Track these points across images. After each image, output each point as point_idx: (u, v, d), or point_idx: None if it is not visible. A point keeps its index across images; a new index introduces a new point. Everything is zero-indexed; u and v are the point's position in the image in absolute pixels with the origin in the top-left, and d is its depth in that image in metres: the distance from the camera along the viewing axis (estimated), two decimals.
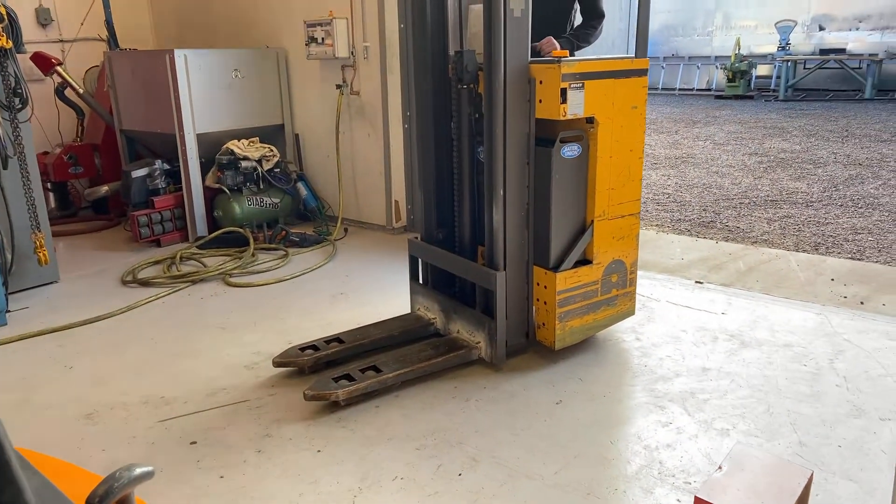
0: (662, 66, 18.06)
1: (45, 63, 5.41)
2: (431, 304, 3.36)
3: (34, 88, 5.68)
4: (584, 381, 2.94)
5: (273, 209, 5.35)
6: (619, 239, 3.08)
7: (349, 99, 5.24)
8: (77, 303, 4.01)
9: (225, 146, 5.18)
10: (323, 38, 5.04)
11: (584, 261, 3.03)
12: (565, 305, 2.97)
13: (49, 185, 5.82)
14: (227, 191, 5.14)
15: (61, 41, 6.08)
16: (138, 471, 0.89)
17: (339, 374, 2.78)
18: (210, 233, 5.14)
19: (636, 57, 2.93)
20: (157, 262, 4.71)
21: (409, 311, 3.51)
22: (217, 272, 4.46)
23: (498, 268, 2.91)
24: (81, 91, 5.65)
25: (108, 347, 3.41)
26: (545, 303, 3.00)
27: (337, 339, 3.16)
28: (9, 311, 3.80)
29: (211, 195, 5.26)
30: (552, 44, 3.32)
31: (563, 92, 2.70)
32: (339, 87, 5.18)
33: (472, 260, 3.15)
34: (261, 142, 5.36)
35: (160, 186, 5.27)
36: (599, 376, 2.99)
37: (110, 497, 0.85)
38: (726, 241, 5.16)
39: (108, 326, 3.69)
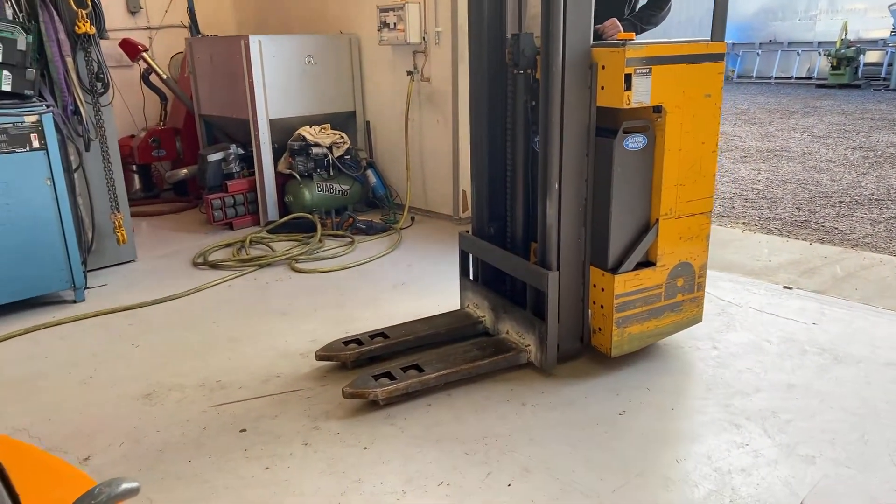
0: (758, 53, 16.97)
1: (132, 49, 5.61)
2: (481, 301, 3.21)
3: (122, 74, 5.95)
4: (652, 391, 2.73)
5: (342, 196, 5.34)
6: (686, 240, 2.83)
7: (419, 85, 5.14)
8: (150, 282, 4.14)
9: (297, 132, 5.21)
10: (395, 24, 4.96)
11: (647, 262, 2.80)
12: (624, 310, 2.76)
13: (134, 167, 6.07)
14: (298, 177, 5.18)
15: (149, 28, 6.30)
16: (121, 487, 0.81)
17: (379, 371, 2.70)
18: (280, 217, 5.19)
19: (712, 40, 2.69)
20: (227, 245, 4.80)
21: (459, 307, 3.40)
22: (284, 257, 4.49)
23: (550, 267, 2.73)
24: (165, 77, 5.83)
25: (173, 328, 3.48)
26: (602, 306, 2.79)
27: (382, 333, 3.07)
28: (87, 288, 3.96)
29: (283, 180, 5.31)
30: (616, 26, 3.05)
31: (628, 78, 2.47)
32: (409, 73, 5.09)
33: (524, 257, 2.98)
34: (332, 128, 5.36)
35: (234, 171, 5.37)
36: (669, 387, 2.76)
37: None
38: (821, 242, 4.72)
39: (176, 307, 3.77)
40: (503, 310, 3.05)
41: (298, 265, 4.38)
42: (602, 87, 2.58)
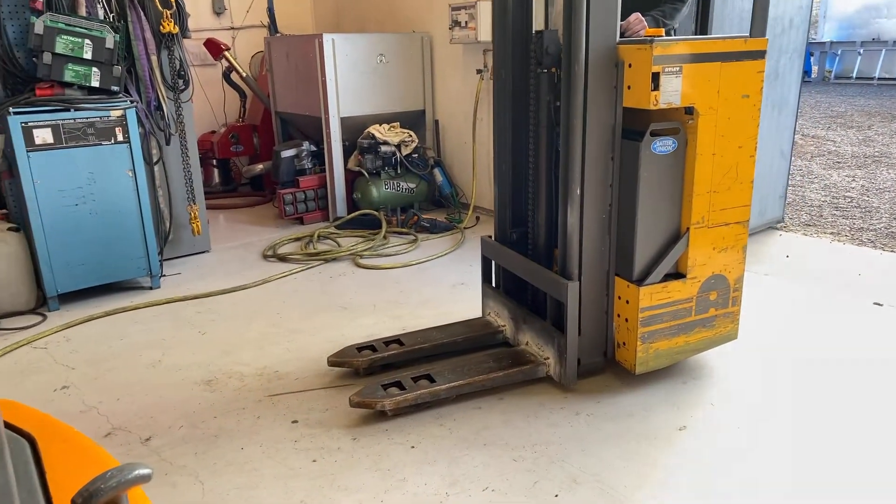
0: (859, 52, 15.85)
1: (215, 49, 5.85)
2: (501, 310, 3.08)
3: (206, 72, 6.21)
4: (716, 407, 2.57)
5: (409, 194, 5.37)
6: (721, 251, 2.64)
7: (488, 84, 5.09)
8: (221, 272, 4.29)
9: (367, 130, 5.27)
10: (466, 22, 4.93)
11: (677, 274, 2.62)
12: (650, 325, 2.58)
13: (214, 161, 6.33)
14: (367, 174, 5.24)
15: (232, 28, 6.55)
16: (133, 474, 0.81)
17: (389, 380, 2.61)
18: (349, 213, 5.28)
19: (751, 36, 2.47)
20: (297, 239, 4.92)
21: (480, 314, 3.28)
22: (349, 252, 4.56)
23: (571, 276, 2.59)
24: (244, 75, 6.05)
25: (238, 317, 3.59)
26: (626, 319, 2.63)
27: (397, 340, 2.99)
28: (163, 276, 4.15)
29: (352, 177, 5.39)
30: (640, 21, 2.83)
31: (655, 77, 2.32)
32: (479, 71, 5.05)
33: (546, 265, 2.82)
34: (401, 127, 5.39)
35: (306, 167, 5.50)
36: (736, 402, 2.59)
37: (96, 498, 0.78)
38: None
39: (243, 297, 3.89)
40: (523, 320, 2.92)
41: (362, 261, 4.43)
42: (629, 87, 2.43)
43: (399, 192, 5.31)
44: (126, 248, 3.86)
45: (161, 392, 2.82)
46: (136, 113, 3.79)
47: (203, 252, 4.67)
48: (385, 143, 5.22)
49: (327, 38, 5.03)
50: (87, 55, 3.54)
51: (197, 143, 4.85)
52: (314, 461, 2.32)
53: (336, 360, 2.88)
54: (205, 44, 5.87)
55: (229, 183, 6.56)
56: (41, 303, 3.75)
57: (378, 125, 5.30)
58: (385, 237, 4.86)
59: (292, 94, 5.65)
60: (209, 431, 2.52)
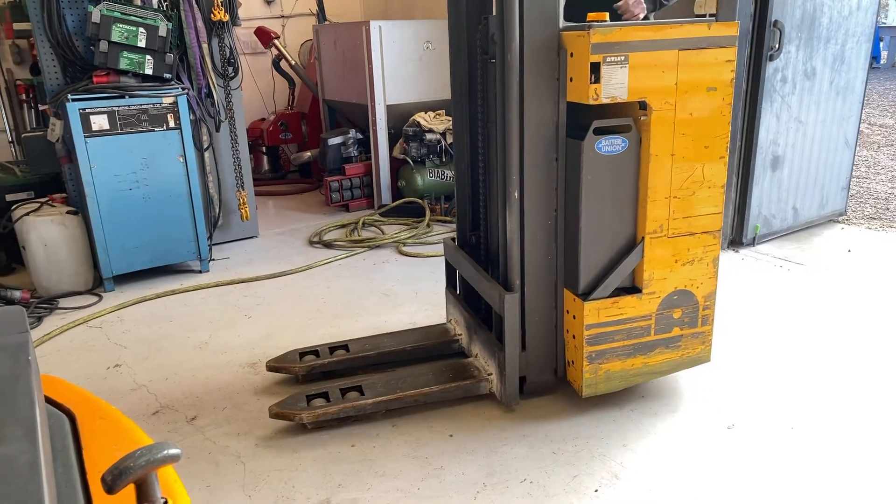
0: None
1: (265, 37, 5.92)
2: (459, 318, 2.87)
3: (256, 61, 6.30)
4: (658, 459, 2.46)
5: (453, 182, 5.33)
6: (685, 264, 2.34)
7: None
8: (268, 257, 4.36)
9: (412, 118, 5.26)
10: None
11: (632, 288, 2.37)
12: (599, 343, 2.33)
13: (264, 148, 6.44)
14: (411, 162, 5.23)
15: (281, 16, 6.63)
16: (162, 453, 0.81)
17: (316, 391, 2.48)
18: (393, 201, 5.29)
19: (718, 20, 2.18)
20: (342, 226, 4.96)
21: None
22: (392, 240, 4.56)
23: (511, 287, 2.36)
24: (293, 63, 6.11)
25: (283, 302, 3.64)
26: (574, 336, 2.40)
27: (344, 346, 2.84)
28: (212, 260, 4.24)
29: (397, 165, 5.40)
30: (640, 3, 2.55)
31: (595, 67, 2.06)
32: None
33: (495, 273, 2.58)
34: (446, 115, 5.36)
35: (353, 154, 5.53)
36: (690, 458, 2.48)
37: (125, 476, 0.79)
38: None
39: (288, 282, 3.94)
40: (475, 330, 2.69)
41: (405, 248, 4.43)
42: (571, 79, 2.19)
43: (443, 181, 5.29)
44: (177, 233, 3.96)
45: (207, 373, 2.89)
46: (188, 100, 3.87)
47: (251, 237, 4.76)
48: (430, 130, 5.19)
49: (374, 26, 5.03)
50: (141, 43, 3.63)
51: (247, 130, 4.93)
52: (353, 446, 2.33)
53: (275, 366, 2.75)
54: (255, 32, 5.95)
55: (278, 170, 6.66)
56: (97, 284, 3.88)
57: (423, 113, 5.28)
58: (428, 225, 4.85)
59: (339, 82, 5.68)
60: (252, 413, 2.56)
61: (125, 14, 3.60)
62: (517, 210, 2.31)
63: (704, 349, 2.49)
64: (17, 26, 4.63)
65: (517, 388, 2.44)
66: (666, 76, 2.14)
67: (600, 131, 2.19)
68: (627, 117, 2.22)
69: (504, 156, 2.29)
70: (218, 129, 4.30)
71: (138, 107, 3.67)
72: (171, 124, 3.78)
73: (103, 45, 3.55)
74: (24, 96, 5.09)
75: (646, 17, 2.77)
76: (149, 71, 3.69)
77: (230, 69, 4.29)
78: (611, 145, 2.20)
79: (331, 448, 2.32)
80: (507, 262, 2.37)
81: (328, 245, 4.57)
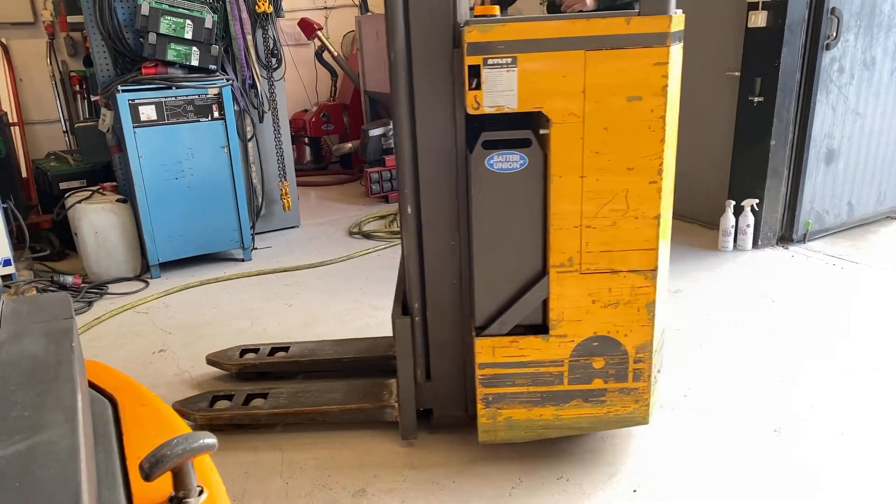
0: None
1: (308, 28, 5.97)
2: None
3: (299, 52, 6.36)
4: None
5: None
6: (606, 306, 1.96)
7: None
8: (309, 247, 4.41)
9: None
10: None
11: (541, 327, 2.04)
12: (496, 385, 2.04)
13: (306, 139, 6.51)
14: None
15: (325, 8, 6.67)
16: (198, 443, 0.82)
17: (224, 392, 2.47)
18: None
19: (641, 13, 1.75)
20: (381, 217, 4.98)
21: None
22: None
23: (409, 310, 2.16)
24: (335, 54, 6.15)
25: (323, 291, 3.68)
26: (473, 373, 2.13)
27: (286, 347, 2.79)
28: (255, 249, 4.32)
29: None
30: None
31: (475, 71, 1.78)
32: None
33: None
34: None
35: (393, 146, 5.54)
36: None
37: (162, 464, 0.79)
38: None
39: (328, 272, 3.98)
40: None
41: None
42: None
43: None
44: (220, 222, 4.03)
45: None
46: (232, 91, 3.93)
47: (293, 227, 4.82)
48: None
49: None
50: (188, 35, 3.70)
51: (290, 121, 4.98)
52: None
53: (213, 360, 2.76)
54: (298, 23, 6.00)
55: (320, 161, 6.73)
56: (144, 270, 3.99)
57: None
58: None
59: (381, 74, 5.68)
60: None
61: (173, 6, 3.66)
62: (413, 228, 2.08)
63: (639, 409, 2.06)
64: (71, 19, 4.78)
65: (413, 420, 2.25)
66: (569, 82, 1.78)
67: (494, 145, 1.88)
68: (524, 130, 1.89)
69: (399, 168, 2.09)
70: (261, 120, 4.36)
71: (184, 98, 3.75)
72: (216, 115, 3.85)
73: (152, 37, 3.62)
74: (77, 87, 5.25)
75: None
76: (195, 62, 3.76)
77: (274, 60, 4.33)
78: (505, 162, 1.88)
79: (366, 447, 2.33)
80: (408, 282, 2.16)
81: (367, 236, 4.59)
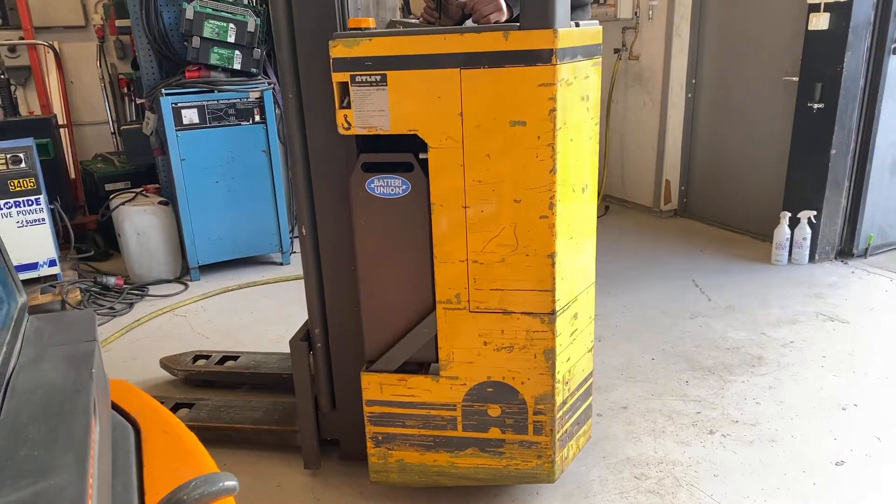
0: None
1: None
2: None
3: None
4: None
5: None
6: (498, 349, 1.78)
7: (627, 64, 4.76)
8: None
9: None
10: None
11: (435, 367, 1.89)
12: (385, 425, 1.91)
13: None
14: None
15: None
16: (218, 486, 0.76)
17: (157, 399, 2.32)
18: None
19: (522, 27, 1.55)
20: None
21: None
22: None
23: (311, 335, 2.07)
24: None
25: None
26: None
27: (237, 357, 2.75)
28: (293, 253, 4.30)
29: None
30: (493, 1, 1.84)
31: (343, 89, 1.66)
32: (616, 51, 4.73)
33: None
34: None
35: None
36: None
37: None
38: None
39: None
40: None
41: None
42: None
43: None
44: (260, 225, 4.03)
45: None
46: (273, 95, 3.92)
47: None
48: None
49: None
50: (231, 39, 3.70)
51: None
52: None
53: (166, 364, 2.73)
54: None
55: None
56: (184, 272, 4.02)
57: None
58: None
59: None
60: None
61: (216, 10, 3.67)
62: (311, 250, 1.98)
63: (542, 465, 1.86)
64: (120, 23, 4.85)
65: (315, 449, 2.15)
66: (444, 103, 1.62)
67: (378, 167, 1.75)
68: (408, 153, 1.73)
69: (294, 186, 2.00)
70: None
71: (226, 101, 3.75)
72: (257, 118, 3.85)
73: (195, 41, 3.64)
74: (125, 90, 5.35)
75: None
76: (237, 66, 3.76)
77: None
78: (386, 186, 1.74)
79: None
80: (308, 307, 2.06)
81: None
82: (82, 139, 5.40)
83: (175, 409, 2.36)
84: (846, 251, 3.83)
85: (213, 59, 3.70)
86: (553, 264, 1.68)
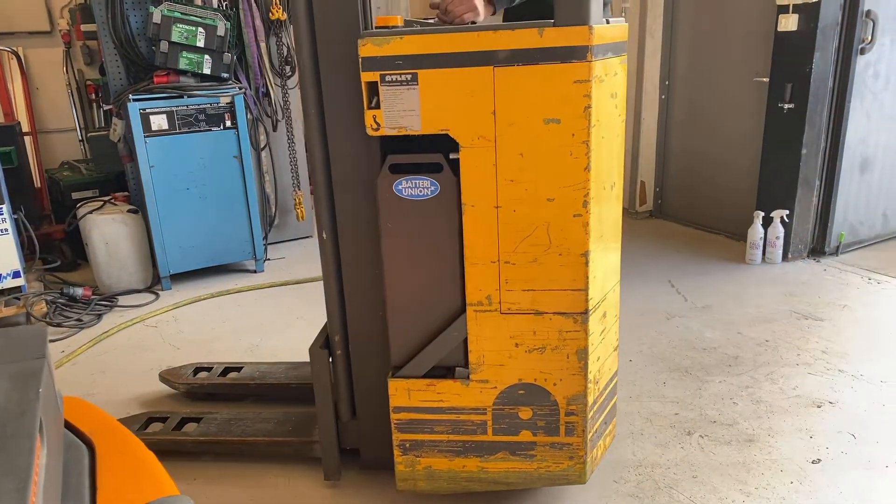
0: None
1: None
2: None
3: None
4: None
5: None
6: (532, 351, 1.77)
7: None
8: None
9: None
10: None
11: (462, 371, 1.88)
12: (413, 431, 1.88)
13: None
14: None
15: None
16: None
17: (163, 414, 2.36)
18: None
19: (557, 24, 1.53)
20: None
21: None
22: None
23: (331, 342, 2.02)
24: None
25: None
26: None
27: (239, 368, 2.68)
28: (267, 260, 4.24)
29: None
30: (468, 1, 1.88)
31: (372, 89, 1.64)
32: None
33: None
34: None
35: None
36: None
37: None
38: None
39: None
40: None
41: None
42: None
43: None
44: (233, 232, 3.96)
45: None
46: (244, 99, 3.86)
47: (307, 237, 4.74)
48: None
49: None
50: (200, 43, 3.63)
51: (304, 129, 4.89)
52: None
53: (165, 378, 2.67)
54: None
55: None
56: (155, 282, 3.93)
57: None
58: None
59: None
60: None
61: (185, 14, 3.60)
62: (331, 255, 1.93)
63: (573, 466, 1.85)
64: (86, 27, 4.74)
65: (336, 460, 2.11)
66: (477, 102, 1.60)
67: (406, 168, 1.72)
68: (438, 153, 1.70)
69: (316, 188, 1.96)
70: (275, 129, 4.29)
71: (196, 106, 3.68)
72: (228, 124, 3.78)
73: (164, 46, 3.56)
74: (93, 96, 5.23)
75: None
76: (207, 70, 3.69)
77: (287, 68, 4.26)
78: (415, 188, 1.71)
79: None
80: (328, 313, 2.01)
81: None
82: (49, 147, 5.26)
83: (182, 423, 2.30)
84: (818, 249, 3.88)
85: (182, 64, 3.63)
86: (586, 263, 1.68)
